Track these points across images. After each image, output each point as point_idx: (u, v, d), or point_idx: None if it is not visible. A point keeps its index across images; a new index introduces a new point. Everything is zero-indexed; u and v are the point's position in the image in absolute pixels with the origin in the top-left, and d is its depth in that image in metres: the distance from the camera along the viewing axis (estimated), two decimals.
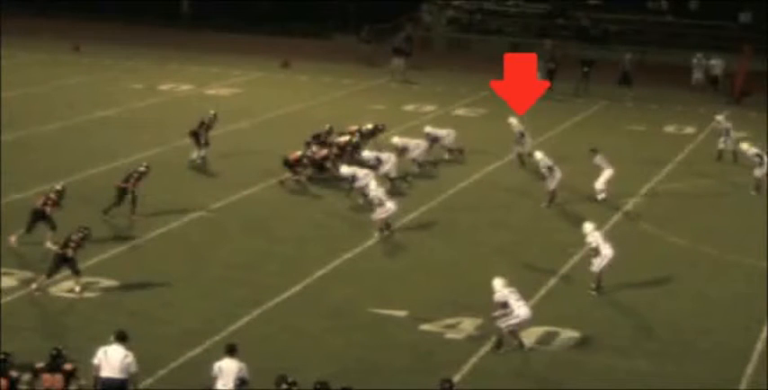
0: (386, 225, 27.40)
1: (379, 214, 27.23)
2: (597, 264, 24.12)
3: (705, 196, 32.23)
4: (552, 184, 30.09)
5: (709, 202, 31.76)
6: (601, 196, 30.58)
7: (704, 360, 21.47)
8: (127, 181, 27.48)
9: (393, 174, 31.04)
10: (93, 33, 51.84)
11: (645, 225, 28.96)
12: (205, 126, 32.60)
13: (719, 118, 35.67)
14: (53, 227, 25.04)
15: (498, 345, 21.31)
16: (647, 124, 40.82)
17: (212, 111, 33.17)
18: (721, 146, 35.14)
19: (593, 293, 24.02)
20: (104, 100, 40.48)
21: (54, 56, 48.29)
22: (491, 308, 21.65)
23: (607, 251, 24.05)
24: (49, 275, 22.81)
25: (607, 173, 30.58)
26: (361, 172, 29.07)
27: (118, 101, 40.54)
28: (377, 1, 53.85)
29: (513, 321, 21.24)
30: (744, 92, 45.52)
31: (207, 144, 32.44)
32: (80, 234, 23.11)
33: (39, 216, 25.14)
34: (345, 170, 29.34)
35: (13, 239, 25.15)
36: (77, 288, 22.90)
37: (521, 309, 21.22)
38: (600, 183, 30.61)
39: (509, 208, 30.64)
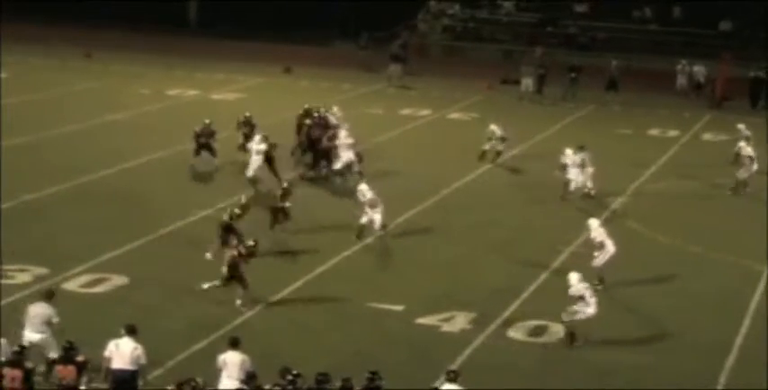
0: (382, 227, 27.17)
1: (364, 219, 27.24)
2: (600, 259, 24.51)
3: (689, 196, 32.45)
4: (583, 180, 31.04)
5: (693, 202, 32.02)
6: (592, 192, 31.35)
7: (687, 354, 21.73)
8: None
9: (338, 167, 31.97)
10: (104, 41, 51.73)
11: (631, 223, 29.34)
12: (196, 134, 32.42)
13: (741, 126, 35.59)
14: (240, 239, 24.64)
15: (572, 340, 21.67)
16: (632, 127, 41.24)
17: (207, 120, 32.92)
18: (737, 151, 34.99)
19: (599, 287, 24.04)
20: (114, 104, 40.58)
21: (65, 62, 48.39)
22: (486, 302, 22.45)
23: (610, 246, 24.54)
24: (224, 284, 22.77)
25: (587, 171, 31.30)
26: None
27: (127, 105, 40.61)
28: (375, 10, 54.02)
29: (580, 316, 21.54)
30: (724, 97, 46.20)
31: (209, 150, 32.42)
32: (248, 248, 22.98)
33: (227, 229, 25.07)
34: (364, 186, 28.14)
35: (209, 254, 25.01)
36: (238, 302, 22.63)
37: (591, 308, 21.49)
38: (588, 182, 31.39)
39: (501, 207, 30.96)
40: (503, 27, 57.55)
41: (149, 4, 56.63)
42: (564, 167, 31.28)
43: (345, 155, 32.17)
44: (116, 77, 46.35)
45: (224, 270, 22.87)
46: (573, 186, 31.23)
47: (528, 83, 45.84)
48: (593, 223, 25.26)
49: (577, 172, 31.15)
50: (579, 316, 21.60)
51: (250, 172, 31.09)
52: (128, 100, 41.94)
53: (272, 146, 31.54)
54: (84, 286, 23.81)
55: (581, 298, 21.61)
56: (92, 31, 54.11)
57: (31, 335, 19.03)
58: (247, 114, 33.98)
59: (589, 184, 31.47)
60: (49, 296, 19.40)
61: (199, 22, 59.73)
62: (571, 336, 21.73)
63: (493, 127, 35.05)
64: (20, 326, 19.21)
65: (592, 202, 31.12)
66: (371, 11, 54.25)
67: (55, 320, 19.01)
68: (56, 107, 40.47)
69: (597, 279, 24.51)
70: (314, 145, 33.03)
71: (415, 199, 30.77)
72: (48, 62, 48.46)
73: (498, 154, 34.98)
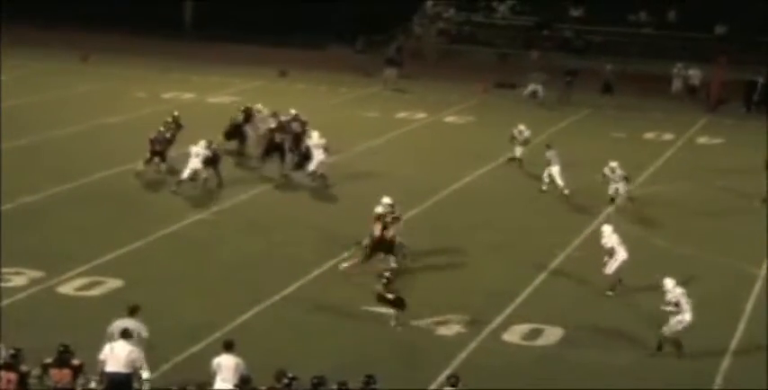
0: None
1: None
2: (611, 266, 24.60)
3: (684, 199, 32.51)
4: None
5: (688, 205, 31.99)
6: (544, 188, 32.04)
7: (683, 356, 21.70)
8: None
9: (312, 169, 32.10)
10: (101, 44, 51.66)
11: (627, 226, 29.03)
12: (151, 141, 31.97)
13: None
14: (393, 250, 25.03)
15: (679, 349, 21.61)
16: (628, 131, 41.26)
17: (175, 112, 33.17)
18: None
19: (610, 293, 24.41)
20: (111, 107, 40.65)
21: (63, 65, 48.44)
22: (481, 305, 22.44)
23: (622, 253, 24.64)
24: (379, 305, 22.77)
25: (555, 168, 31.93)
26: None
27: (124, 108, 40.63)
28: (371, 13, 54.08)
29: (679, 326, 21.45)
30: (719, 100, 46.33)
31: (162, 157, 31.95)
32: (388, 275, 22.97)
33: (385, 246, 25.19)
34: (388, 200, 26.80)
35: (345, 265, 25.15)
36: (392, 322, 22.52)
37: (687, 314, 21.42)
38: (558, 179, 31.92)
39: (497, 210, 31.06)
40: (498, 30, 57.61)
41: (146, 8, 56.62)
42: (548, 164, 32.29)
43: (317, 156, 32.16)
44: (113, 80, 46.43)
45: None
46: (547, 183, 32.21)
47: (536, 88, 45.81)
48: (607, 229, 25.30)
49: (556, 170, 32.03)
50: (680, 327, 21.64)
51: (185, 175, 30.94)
52: (124, 103, 42.04)
53: (216, 150, 31.66)
54: (80, 289, 23.87)
55: (676, 305, 21.63)
56: (89, 34, 54.09)
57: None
58: (176, 114, 33.83)
59: (560, 183, 31.86)
60: (133, 310, 19.10)
61: (195, 26, 59.68)
62: (677, 346, 21.74)
63: (521, 127, 35.14)
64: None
65: (588, 206, 31.27)
66: (367, 14, 54.31)
67: (144, 335, 18.81)
68: (54, 110, 40.55)
69: (609, 286, 24.76)
70: (278, 147, 33.04)
71: (411, 202, 30.69)
72: (46, 65, 48.57)
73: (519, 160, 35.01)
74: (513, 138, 35.24)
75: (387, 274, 23.47)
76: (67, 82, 45.54)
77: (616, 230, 25.40)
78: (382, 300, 22.67)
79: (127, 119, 39.68)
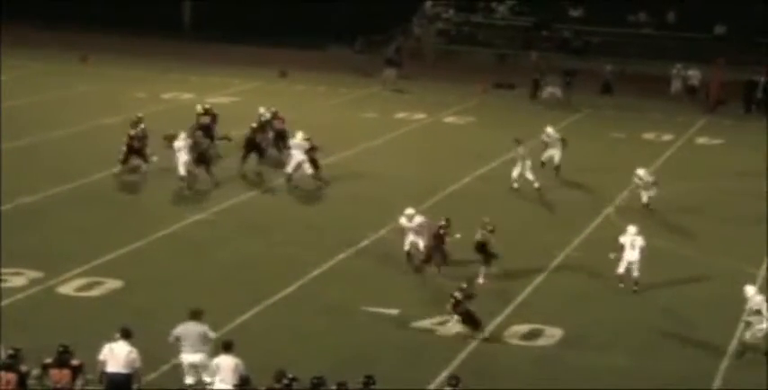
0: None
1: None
2: (622, 265, 25.04)
3: (683, 200, 32.52)
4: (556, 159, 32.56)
5: (688, 206, 32.01)
6: (515, 185, 32.23)
7: (682, 357, 21.88)
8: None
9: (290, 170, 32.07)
10: (100, 45, 51.76)
11: (625, 227, 29.50)
12: (129, 137, 32.06)
13: None
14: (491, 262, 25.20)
15: (740, 355, 21.63)
16: (627, 131, 41.30)
17: (141, 124, 32.69)
18: None
19: (635, 289, 24.83)
20: (110, 108, 40.62)
21: (62, 66, 48.48)
22: (481, 306, 21.99)
23: (632, 255, 24.91)
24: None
25: (525, 164, 32.13)
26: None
27: (123, 108, 40.09)
28: (370, 14, 54.14)
29: (760, 334, 21.38)
30: (718, 101, 46.39)
31: (141, 155, 32.19)
32: (462, 293, 22.39)
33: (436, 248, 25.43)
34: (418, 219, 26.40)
35: (481, 280, 24.91)
36: (473, 335, 22.37)
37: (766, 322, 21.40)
38: (516, 173, 32.21)
39: (497, 210, 30.54)
40: (497, 31, 57.62)
41: (145, 9, 56.74)
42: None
43: (296, 157, 32.07)
44: (112, 81, 46.45)
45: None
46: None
47: (554, 91, 45.74)
48: (632, 229, 25.43)
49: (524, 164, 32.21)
50: (760, 334, 21.55)
51: (182, 171, 31.19)
52: (124, 103, 41.95)
53: (203, 147, 32.02)
54: (79, 289, 23.92)
55: (758, 312, 21.55)
56: (88, 35, 54.18)
57: (190, 357, 18.91)
58: (139, 115, 33.84)
59: (530, 177, 32.10)
60: (196, 314, 19.14)
61: (194, 26, 59.73)
62: (764, 352, 21.60)
63: (549, 129, 34.79)
64: (176, 350, 18.97)
65: (588, 207, 31.31)
66: (367, 15, 54.39)
67: (211, 335, 18.94)
68: (53, 110, 40.60)
69: (633, 283, 25.00)
70: (257, 147, 33.16)
71: (411, 202, 30.29)
72: (45, 66, 48.60)
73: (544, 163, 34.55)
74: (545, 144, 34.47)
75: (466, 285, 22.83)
76: (67, 82, 45.60)
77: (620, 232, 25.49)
78: (464, 316, 22.30)
79: (126, 119, 38.47)
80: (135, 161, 32.39)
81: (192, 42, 55.90)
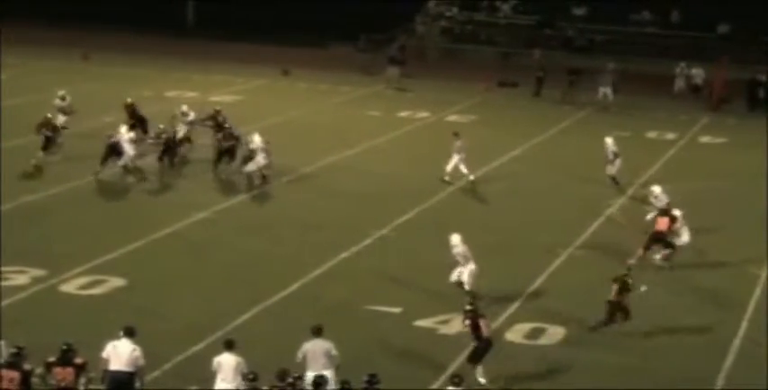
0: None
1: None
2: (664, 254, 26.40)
3: (686, 198, 31.83)
4: (613, 171, 32.66)
5: (690, 204, 31.26)
6: (447, 178, 32.50)
7: (684, 356, 21.91)
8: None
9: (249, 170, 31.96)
10: (103, 43, 51.90)
11: (630, 226, 29.22)
12: (39, 125, 32.60)
13: None
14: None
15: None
16: (630, 130, 41.11)
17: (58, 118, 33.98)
18: None
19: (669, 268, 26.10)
20: (113, 106, 39.73)
21: (64, 64, 48.43)
22: (483, 305, 21.97)
23: (685, 237, 26.54)
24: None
25: (457, 158, 32.48)
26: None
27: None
28: (373, 12, 54.23)
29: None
30: (722, 99, 46.45)
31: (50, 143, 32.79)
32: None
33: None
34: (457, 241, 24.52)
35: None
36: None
37: None
38: (450, 167, 32.48)
39: (498, 209, 31.17)
40: (501, 29, 57.81)
41: (148, 6, 56.87)
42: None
43: (259, 159, 31.91)
44: (114, 79, 46.42)
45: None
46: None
47: (606, 91, 45.61)
48: (677, 212, 26.60)
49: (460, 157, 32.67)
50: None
51: (122, 162, 31.55)
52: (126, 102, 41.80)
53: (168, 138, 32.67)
54: (82, 288, 23.91)
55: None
56: (90, 33, 54.25)
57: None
58: (49, 115, 33.76)
59: (464, 170, 32.53)
60: (318, 331, 18.84)
61: (197, 24, 59.87)
62: None
63: (608, 140, 33.96)
64: (302, 368, 18.54)
65: (591, 205, 31.29)
66: (369, 13, 54.44)
67: (334, 353, 18.65)
68: (54, 109, 39.73)
69: (668, 266, 26.18)
70: (228, 150, 33.03)
71: (413, 200, 30.89)
72: (46, 64, 48.63)
73: (614, 178, 33.77)
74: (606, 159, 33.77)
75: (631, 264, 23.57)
76: (68, 81, 44.84)
77: (618, 229, 25.62)
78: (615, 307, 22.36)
79: (129, 117, 39.50)
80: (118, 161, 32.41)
81: (194, 40, 56.00)
